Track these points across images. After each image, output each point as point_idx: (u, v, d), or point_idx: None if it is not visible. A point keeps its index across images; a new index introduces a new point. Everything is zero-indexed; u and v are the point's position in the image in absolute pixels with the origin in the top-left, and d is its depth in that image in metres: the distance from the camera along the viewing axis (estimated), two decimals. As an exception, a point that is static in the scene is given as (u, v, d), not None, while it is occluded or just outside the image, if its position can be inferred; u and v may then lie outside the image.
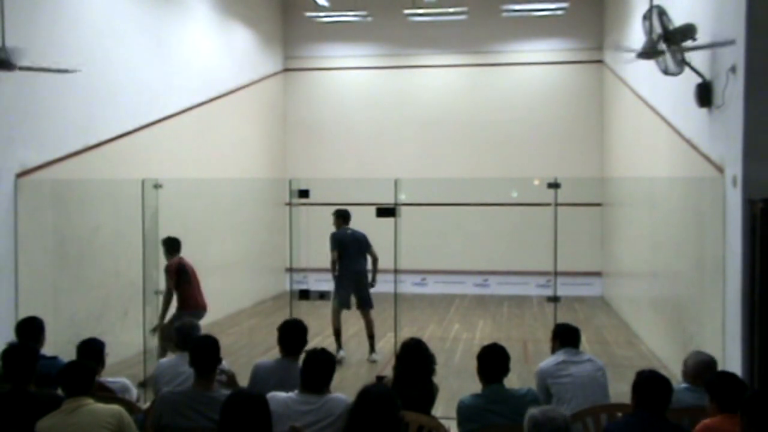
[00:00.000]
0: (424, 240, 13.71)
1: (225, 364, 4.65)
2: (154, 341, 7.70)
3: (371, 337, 9.23)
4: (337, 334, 9.25)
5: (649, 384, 3.90)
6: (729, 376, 4.15)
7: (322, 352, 4.36)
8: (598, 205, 14.16)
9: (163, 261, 7.98)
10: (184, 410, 4.20)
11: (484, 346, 4.60)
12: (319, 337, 10.13)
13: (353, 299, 9.12)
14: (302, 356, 4.49)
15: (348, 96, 15.40)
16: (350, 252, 9.02)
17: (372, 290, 9.18)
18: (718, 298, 6.69)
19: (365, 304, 9.14)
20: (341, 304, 9.09)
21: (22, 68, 6.57)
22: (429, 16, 13.27)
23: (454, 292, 14.47)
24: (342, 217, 9.23)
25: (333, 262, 9.03)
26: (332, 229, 9.20)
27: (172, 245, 8.10)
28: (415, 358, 4.79)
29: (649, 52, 7.09)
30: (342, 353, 9.13)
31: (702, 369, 4.69)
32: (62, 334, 7.10)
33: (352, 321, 10.24)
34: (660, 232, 9.38)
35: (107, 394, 4.71)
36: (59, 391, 4.16)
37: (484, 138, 14.83)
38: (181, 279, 7.94)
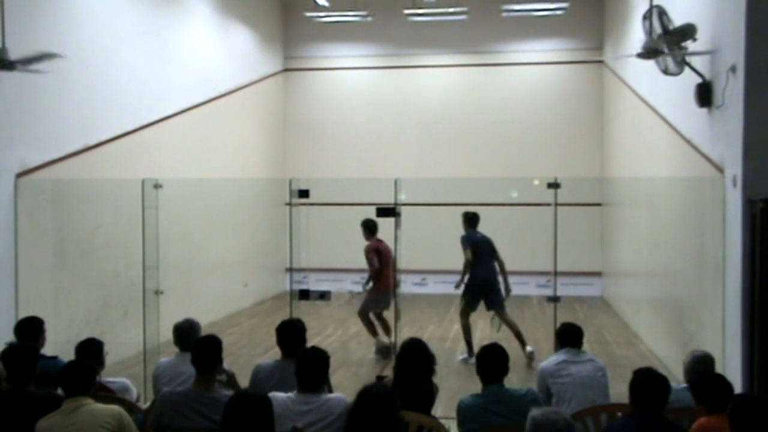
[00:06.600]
0: (424, 240, 13.69)
1: (225, 364, 4.65)
2: None
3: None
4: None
5: (646, 383, 3.89)
6: (714, 377, 4.14)
7: (315, 351, 4.36)
8: (598, 205, 14.15)
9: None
10: (185, 410, 4.20)
11: (484, 346, 4.60)
12: (319, 337, 10.14)
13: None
14: None
15: (348, 96, 15.38)
16: None
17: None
18: (718, 298, 6.68)
19: None
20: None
21: (16, 62, 6.54)
22: (429, 16, 13.27)
23: (454, 292, 14.41)
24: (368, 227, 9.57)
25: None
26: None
27: (369, 227, 9.07)
28: (415, 358, 4.78)
29: (649, 52, 7.08)
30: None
31: (696, 365, 4.69)
32: (62, 334, 7.11)
33: (353, 321, 10.25)
34: (660, 232, 9.37)
35: (107, 394, 4.71)
36: (59, 391, 4.16)
37: (484, 138, 14.81)
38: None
